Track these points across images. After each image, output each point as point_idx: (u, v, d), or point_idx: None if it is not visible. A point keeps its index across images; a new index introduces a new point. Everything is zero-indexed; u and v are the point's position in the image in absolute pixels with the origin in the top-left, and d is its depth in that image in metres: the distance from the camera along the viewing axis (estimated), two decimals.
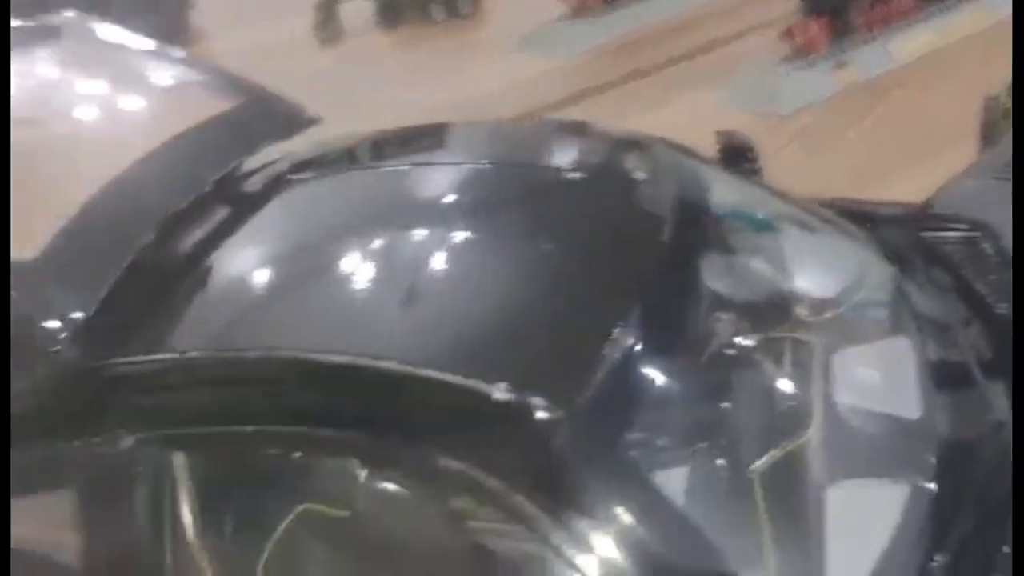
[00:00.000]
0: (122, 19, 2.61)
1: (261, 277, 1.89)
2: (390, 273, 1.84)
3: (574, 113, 5.80)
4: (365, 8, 7.48)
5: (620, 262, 1.79)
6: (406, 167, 2.23)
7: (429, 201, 2.05)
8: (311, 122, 2.36)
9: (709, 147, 2.52)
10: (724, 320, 1.95)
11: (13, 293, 1.71)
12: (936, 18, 5.86)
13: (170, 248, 1.95)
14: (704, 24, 6.46)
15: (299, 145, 2.31)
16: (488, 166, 2.13)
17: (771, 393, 1.88)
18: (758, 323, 1.99)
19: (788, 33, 5.48)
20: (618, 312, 1.65)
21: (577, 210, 1.99)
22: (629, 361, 1.62)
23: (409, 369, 1.54)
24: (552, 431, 1.48)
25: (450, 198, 2.05)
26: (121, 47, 2.54)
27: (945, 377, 1.93)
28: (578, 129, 2.40)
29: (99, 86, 2.44)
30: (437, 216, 1.98)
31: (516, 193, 2.02)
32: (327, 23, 7.35)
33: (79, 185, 1.97)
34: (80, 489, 1.66)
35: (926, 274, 2.22)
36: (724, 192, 2.18)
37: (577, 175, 2.11)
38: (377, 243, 1.90)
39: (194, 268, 1.88)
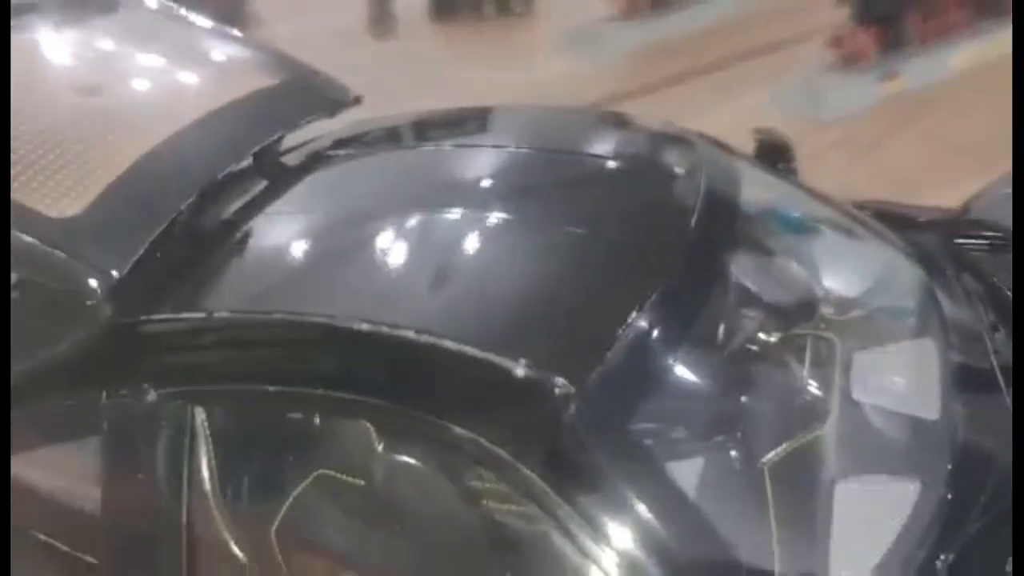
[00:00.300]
0: (180, 4, 2.66)
1: (293, 246, 1.94)
2: (419, 248, 1.88)
3: (623, 109, 5.83)
4: (419, 2, 7.57)
5: (645, 248, 1.81)
6: (443, 148, 2.27)
7: (462, 182, 2.08)
8: (354, 102, 2.40)
9: (747, 145, 2.54)
10: (747, 314, 1.97)
11: (55, 248, 1.76)
12: (988, 32, 5.79)
13: (207, 214, 2.00)
14: (751, 30, 6.44)
15: (341, 124, 2.37)
16: (523, 151, 2.15)
17: (789, 388, 1.89)
18: (782, 319, 2.01)
19: (836, 41, 5.46)
20: (639, 296, 1.66)
21: (608, 197, 2.01)
22: (646, 345, 1.63)
23: (427, 339, 1.57)
24: (563, 407, 1.50)
25: (483, 180, 2.08)
26: (174, 21, 2.60)
27: (967, 382, 1.92)
28: (617, 119, 2.42)
29: (154, 58, 2.50)
30: (469, 197, 2.01)
31: (548, 178, 2.05)
32: (381, 16, 7.43)
33: (133, 152, 2.04)
34: (105, 440, 1.72)
35: (956, 279, 2.21)
36: (757, 188, 2.19)
37: (611, 163, 2.14)
38: (408, 220, 1.94)
39: (229, 234, 1.93)
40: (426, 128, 2.34)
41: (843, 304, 2.07)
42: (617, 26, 6.86)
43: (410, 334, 1.58)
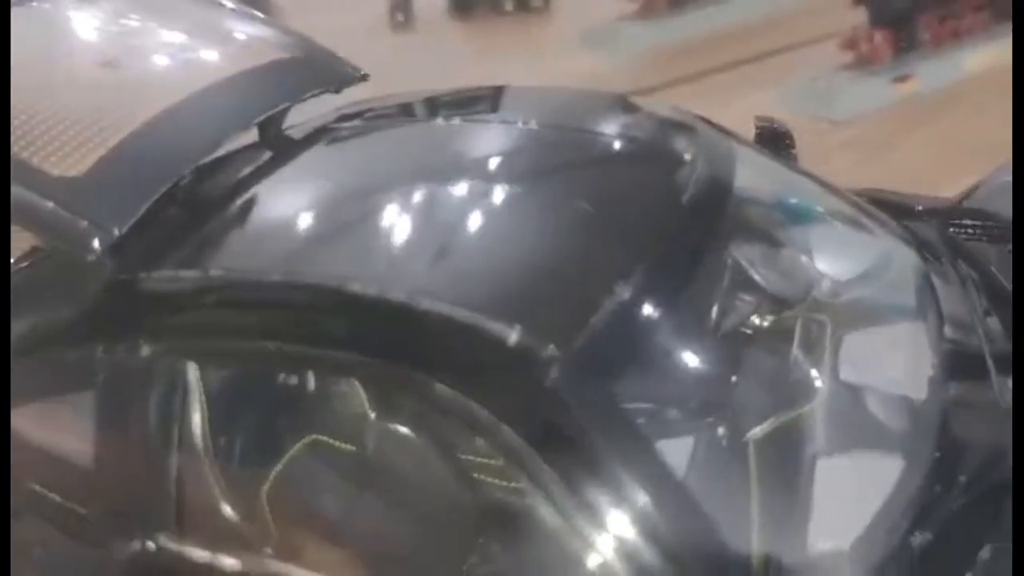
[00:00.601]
0: None
1: (290, 212, 1.96)
2: (412, 215, 1.90)
3: None
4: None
5: (637, 222, 1.83)
6: (440, 122, 2.30)
7: (458, 153, 2.11)
8: (361, 78, 2.44)
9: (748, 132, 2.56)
10: (737, 291, 1.99)
11: (57, 206, 1.80)
12: (1004, 35, 5.77)
13: (210, 180, 2.04)
14: (767, 31, 6.46)
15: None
16: (521, 125, 2.18)
17: (776, 366, 1.90)
18: (773, 299, 2.02)
19: (851, 42, 5.47)
20: (628, 266, 1.68)
21: (603, 172, 2.04)
22: (633, 313, 1.65)
23: (417, 301, 1.59)
24: (547, 369, 1.52)
25: (479, 152, 2.11)
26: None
27: (958, 366, 1.93)
28: (620, 101, 2.44)
29: (167, 33, 2.54)
30: (465, 167, 2.04)
31: (545, 151, 2.07)
32: (401, 10, 7.49)
33: (141, 118, 2.08)
34: (99, 394, 1.75)
35: (950, 265, 2.22)
36: (755, 171, 2.21)
37: (609, 140, 2.16)
38: (403, 188, 1.96)
39: (231, 200, 1.96)
40: (427, 104, 2.37)
41: (836, 287, 2.09)
42: (634, 24, 6.89)
43: (400, 295, 1.61)
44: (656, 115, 2.30)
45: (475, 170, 2.02)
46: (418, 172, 2.00)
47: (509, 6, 7.54)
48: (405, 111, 2.37)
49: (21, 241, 2.06)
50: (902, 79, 5.42)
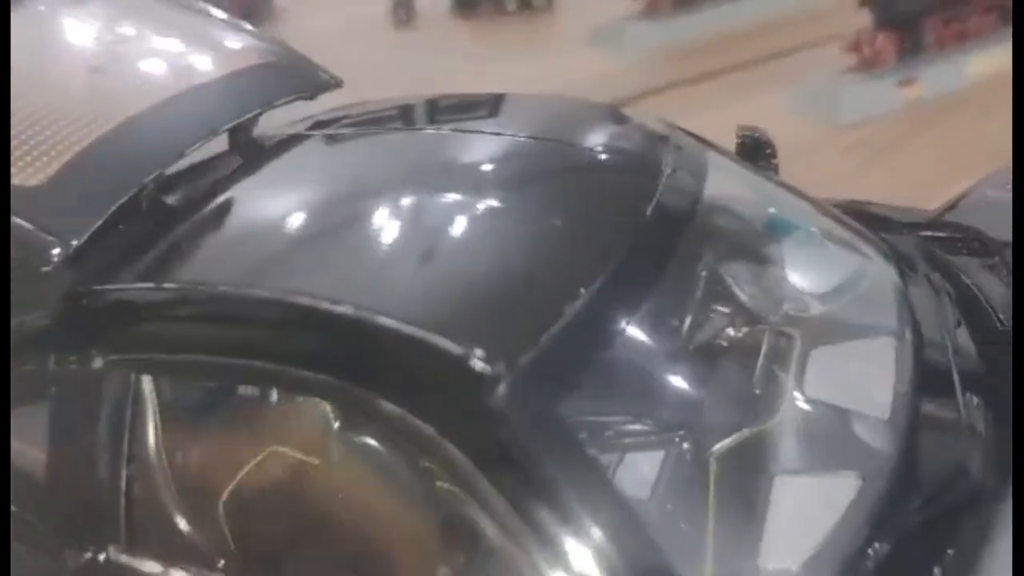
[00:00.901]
0: None
1: (244, 223, 1.96)
2: (365, 228, 1.89)
3: (646, 106, 5.83)
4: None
5: (595, 236, 1.81)
6: (405, 132, 2.29)
7: (419, 167, 2.09)
8: (336, 84, 2.42)
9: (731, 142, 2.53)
10: (703, 307, 1.96)
11: (16, 216, 1.79)
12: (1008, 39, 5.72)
13: (174, 189, 2.03)
14: (772, 33, 6.42)
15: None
16: (486, 135, 2.16)
17: (737, 382, 1.88)
18: (740, 314, 1.99)
19: (855, 45, 5.41)
20: (582, 282, 1.66)
21: (566, 183, 2.02)
22: (585, 330, 1.63)
23: (364, 315, 1.58)
24: (492, 387, 1.50)
25: (439, 165, 2.09)
26: (165, 4, 2.64)
27: (924, 383, 1.90)
28: (595, 110, 2.42)
29: (144, 39, 2.54)
30: (422, 181, 2.02)
31: (507, 162, 2.06)
32: (404, 7, 7.50)
33: (107, 126, 2.07)
34: (52, 404, 1.75)
35: (927, 279, 2.19)
36: (728, 183, 2.18)
37: (573, 150, 2.13)
38: (361, 202, 1.95)
39: (190, 211, 1.96)
40: (398, 113, 2.35)
41: (806, 300, 2.06)
42: (638, 24, 6.86)
43: (348, 310, 1.60)
44: (629, 126, 2.27)
45: (432, 184, 2.00)
46: (378, 186, 1.99)
47: (512, 6, 7.52)
48: (375, 121, 2.36)
49: None
50: (907, 82, 5.37)
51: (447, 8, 7.66)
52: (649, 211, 1.87)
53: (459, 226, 1.86)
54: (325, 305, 1.61)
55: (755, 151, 2.49)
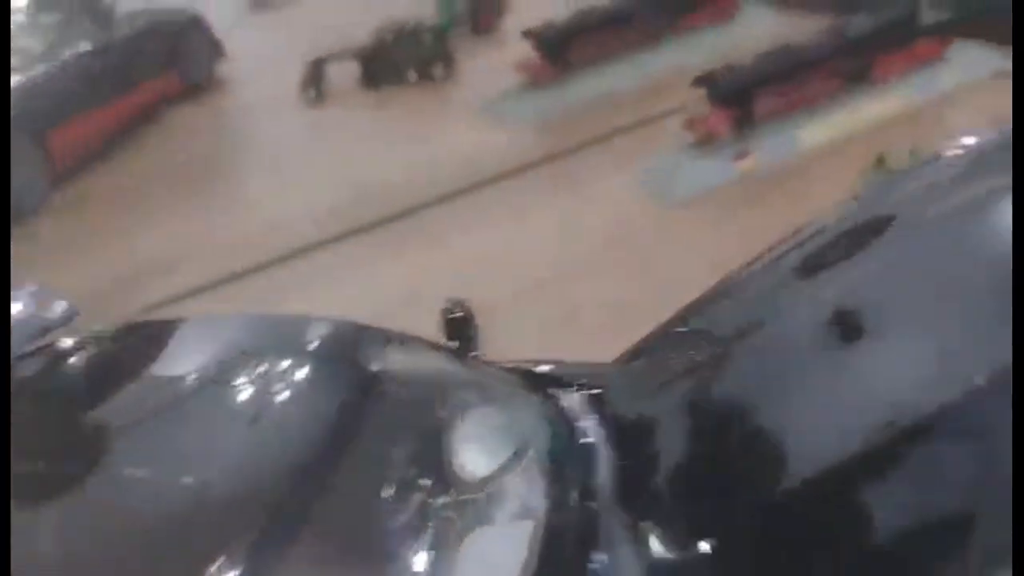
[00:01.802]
0: None
1: None
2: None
3: (520, 180, 6.28)
4: (351, 69, 8.08)
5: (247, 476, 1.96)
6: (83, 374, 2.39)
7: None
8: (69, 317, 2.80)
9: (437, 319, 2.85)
10: (368, 500, 2.06)
11: None
12: (845, 104, 6.03)
13: None
14: (642, 101, 6.78)
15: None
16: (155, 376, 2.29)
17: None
18: (407, 498, 2.07)
19: (690, 123, 5.77)
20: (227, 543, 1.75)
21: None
22: None
23: None
24: None
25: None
26: None
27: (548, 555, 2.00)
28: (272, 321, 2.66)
29: None
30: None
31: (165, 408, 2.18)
32: (314, 81, 7.96)
33: None
34: None
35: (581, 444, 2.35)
36: (401, 376, 2.41)
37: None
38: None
39: None
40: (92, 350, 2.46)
41: (469, 482, 2.15)
42: (521, 95, 7.25)
43: None
44: (312, 331, 2.47)
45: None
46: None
47: (413, 77, 7.96)
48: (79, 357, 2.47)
49: None
50: (741, 156, 5.72)
51: (355, 81, 8.12)
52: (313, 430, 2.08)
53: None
54: None
55: (457, 329, 2.70)
